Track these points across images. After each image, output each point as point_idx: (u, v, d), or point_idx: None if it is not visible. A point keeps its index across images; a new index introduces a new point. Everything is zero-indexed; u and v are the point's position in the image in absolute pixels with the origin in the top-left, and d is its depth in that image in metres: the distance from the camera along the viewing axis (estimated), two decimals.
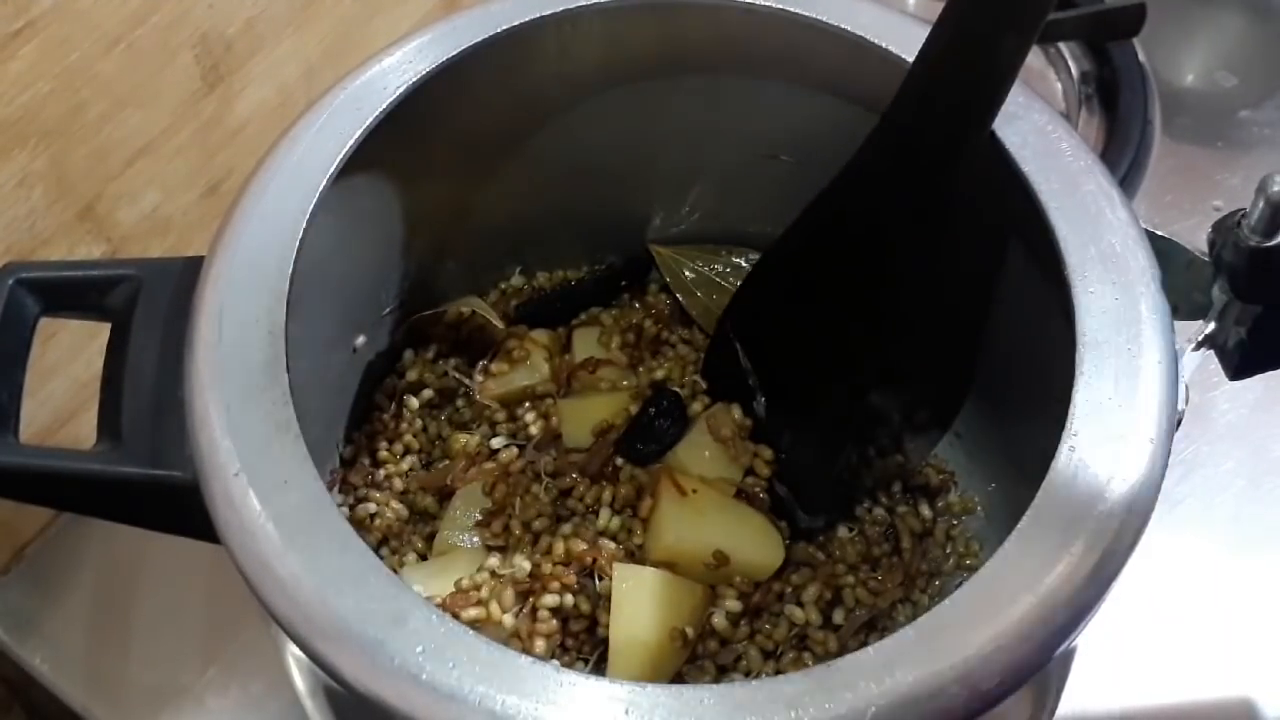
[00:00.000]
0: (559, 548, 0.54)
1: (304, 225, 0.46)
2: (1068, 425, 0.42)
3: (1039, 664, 0.38)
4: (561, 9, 0.52)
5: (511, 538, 0.55)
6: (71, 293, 0.49)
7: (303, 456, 0.41)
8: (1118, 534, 0.40)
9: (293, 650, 0.40)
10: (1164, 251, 0.46)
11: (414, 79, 0.50)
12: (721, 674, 0.53)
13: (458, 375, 0.62)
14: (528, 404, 0.61)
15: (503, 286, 0.66)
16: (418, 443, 0.61)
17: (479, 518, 0.56)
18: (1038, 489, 0.41)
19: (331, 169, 0.48)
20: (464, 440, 0.60)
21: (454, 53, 0.51)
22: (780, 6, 0.52)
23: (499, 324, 0.62)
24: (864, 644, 0.38)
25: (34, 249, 0.59)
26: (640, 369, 0.62)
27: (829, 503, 0.58)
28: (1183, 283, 0.46)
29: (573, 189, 0.62)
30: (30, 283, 0.48)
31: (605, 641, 0.52)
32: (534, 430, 0.60)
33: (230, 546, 0.40)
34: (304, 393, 0.43)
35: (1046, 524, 0.40)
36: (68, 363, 0.63)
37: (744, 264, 0.65)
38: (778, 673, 0.38)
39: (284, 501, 0.40)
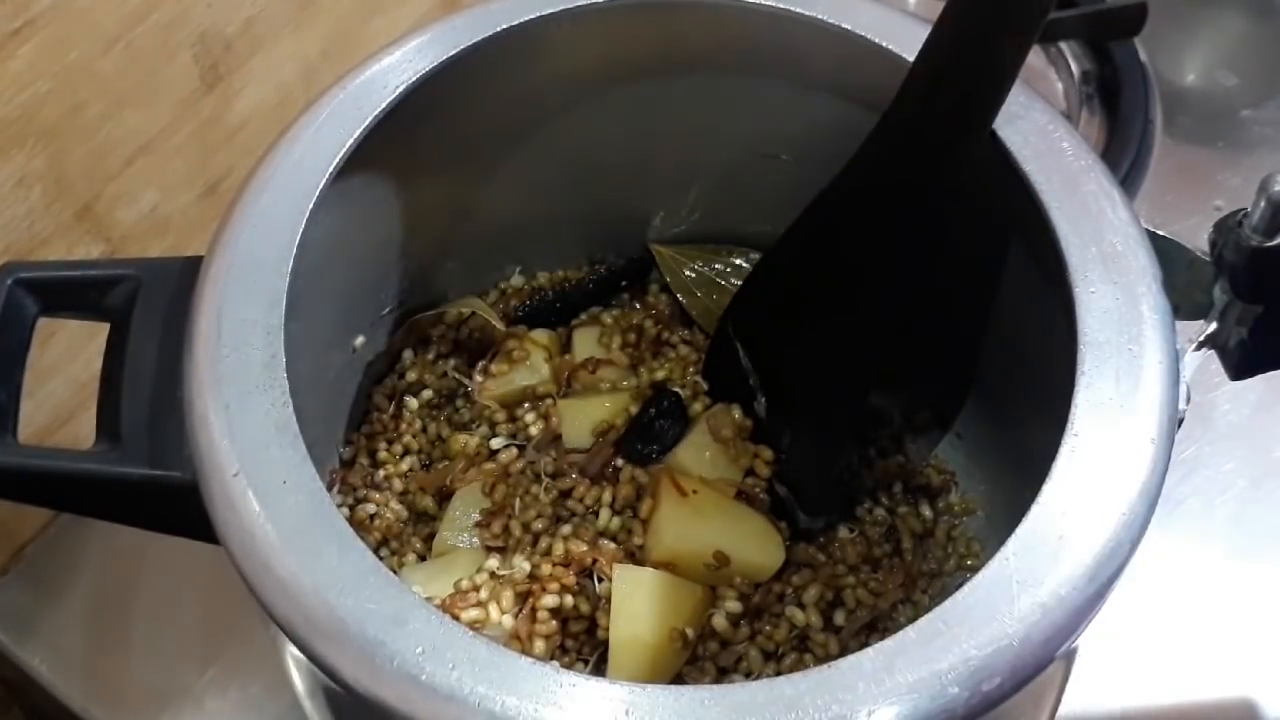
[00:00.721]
0: (559, 548, 0.54)
1: (303, 225, 0.46)
2: (1068, 425, 0.42)
3: (1039, 664, 0.38)
4: (561, 9, 0.52)
5: (511, 538, 0.55)
6: (70, 293, 0.49)
7: (302, 456, 0.41)
8: (1118, 534, 0.40)
9: (292, 651, 0.40)
10: (1165, 251, 0.46)
11: (414, 79, 0.50)
12: (722, 675, 0.53)
13: (458, 376, 0.62)
14: (528, 404, 0.61)
15: (503, 286, 0.66)
16: (417, 443, 0.61)
17: (478, 518, 0.56)
18: (1038, 489, 0.41)
19: (331, 169, 0.48)
20: (464, 441, 0.60)
21: (454, 52, 0.51)
22: (780, 6, 0.52)
23: (499, 325, 0.62)
24: (865, 645, 0.38)
25: (33, 249, 0.59)
26: (641, 369, 0.62)
27: (829, 503, 0.58)
28: (1184, 283, 0.46)
29: (573, 189, 0.62)
30: (29, 282, 0.47)
31: (605, 643, 0.52)
32: (534, 431, 0.60)
33: (229, 547, 0.40)
34: (304, 393, 0.43)
35: (1047, 524, 0.40)
36: (67, 363, 0.63)
37: (744, 264, 0.65)
38: (778, 674, 0.38)
39: (284, 502, 0.40)
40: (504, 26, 0.52)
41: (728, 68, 0.56)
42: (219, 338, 0.44)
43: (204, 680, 0.63)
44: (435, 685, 0.37)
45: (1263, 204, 0.43)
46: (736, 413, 0.58)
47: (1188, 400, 0.44)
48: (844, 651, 0.53)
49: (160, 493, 0.44)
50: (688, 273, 0.65)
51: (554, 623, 0.52)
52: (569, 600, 0.52)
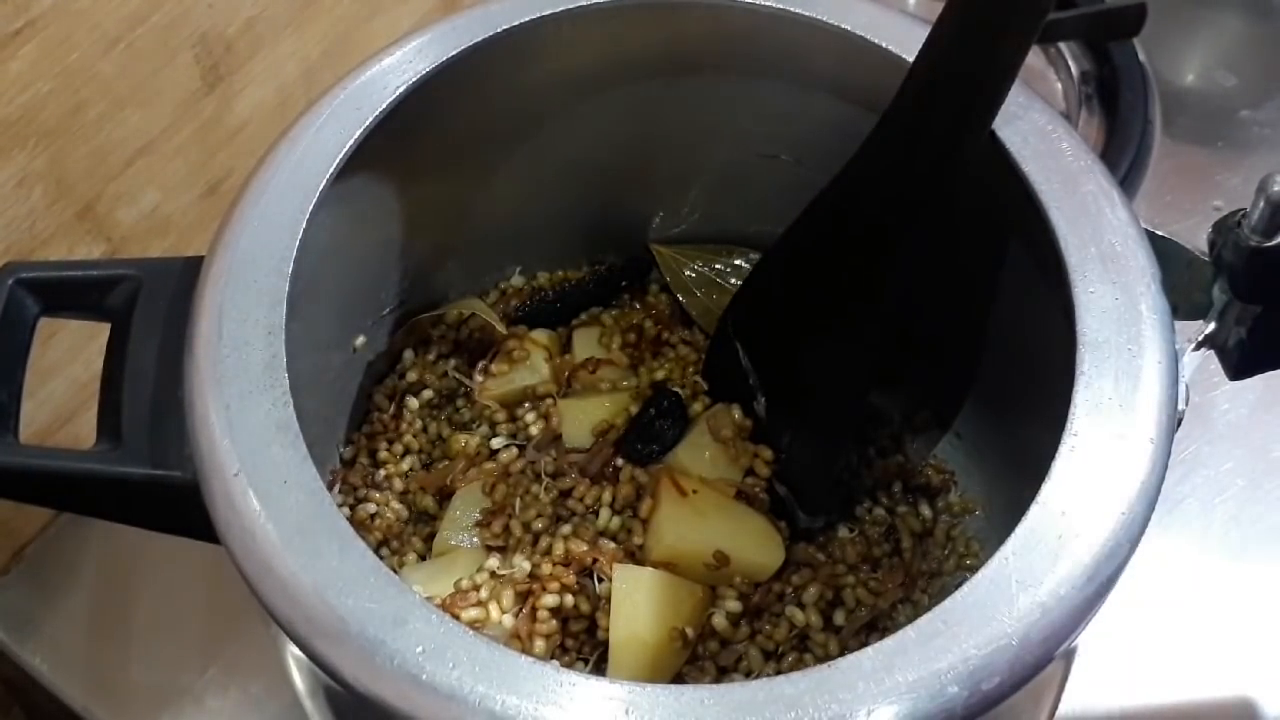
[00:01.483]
0: (559, 548, 0.54)
1: (304, 225, 0.46)
2: (1068, 425, 0.42)
3: (1039, 664, 0.38)
4: (561, 9, 0.52)
5: (511, 538, 0.55)
6: (71, 293, 0.49)
7: (303, 456, 0.41)
8: (1118, 534, 0.40)
9: (293, 650, 0.40)
10: (1164, 251, 0.46)
11: (414, 79, 0.50)
12: (722, 675, 0.53)
13: (458, 376, 0.62)
14: (528, 404, 0.61)
15: (503, 286, 0.66)
16: (418, 443, 0.61)
17: (479, 518, 0.56)
18: (1038, 489, 0.41)
19: (331, 169, 0.48)
20: (464, 440, 0.60)
21: (454, 53, 0.51)
22: (780, 6, 0.52)
23: (499, 325, 0.62)
24: (865, 645, 0.38)
25: (34, 249, 0.59)
26: (641, 369, 0.62)
27: (829, 503, 0.58)
28: (1183, 282, 0.46)
29: (573, 189, 0.62)
30: (30, 283, 0.48)
31: (605, 642, 0.52)
32: (534, 430, 0.60)
33: (230, 546, 0.40)
34: (304, 393, 0.43)
35: (1046, 524, 0.40)
36: (67, 363, 0.63)
37: (744, 264, 0.65)
38: (778, 673, 0.38)
39: (284, 501, 0.40)
40: (504, 27, 0.52)
41: (728, 68, 0.56)
42: (220, 338, 0.44)
43: (204, 679, 0.63)
44: (435, 685, 0.37)
45: (1261, 204, 0.43)
46: (736, 413, 0.58)
47: (1187, 400, 0.44)
48: (844, 651, 0.53)
49: (161, 493, 0.44)
50: (688, 273, 0.65)
51: (554, 622, 0.52)
52: (569, 600, 0.52)
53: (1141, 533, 0.41)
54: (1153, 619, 0.63)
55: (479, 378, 0.62)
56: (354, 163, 0.49)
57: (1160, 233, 0.47)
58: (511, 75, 0.54)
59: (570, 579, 0.53)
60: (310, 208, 0.47)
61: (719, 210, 0.65)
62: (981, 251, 0.53)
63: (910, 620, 0.38)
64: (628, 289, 0.66)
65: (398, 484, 0.59)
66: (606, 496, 0.56)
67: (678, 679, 0.52)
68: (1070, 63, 0.84)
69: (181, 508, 0.43)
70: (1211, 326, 0.46)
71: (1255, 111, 0.83)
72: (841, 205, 0.52)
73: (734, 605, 0.53)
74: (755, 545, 0.55)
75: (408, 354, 0.63)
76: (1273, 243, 0.43)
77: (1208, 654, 0.63)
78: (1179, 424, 0.43)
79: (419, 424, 0.61)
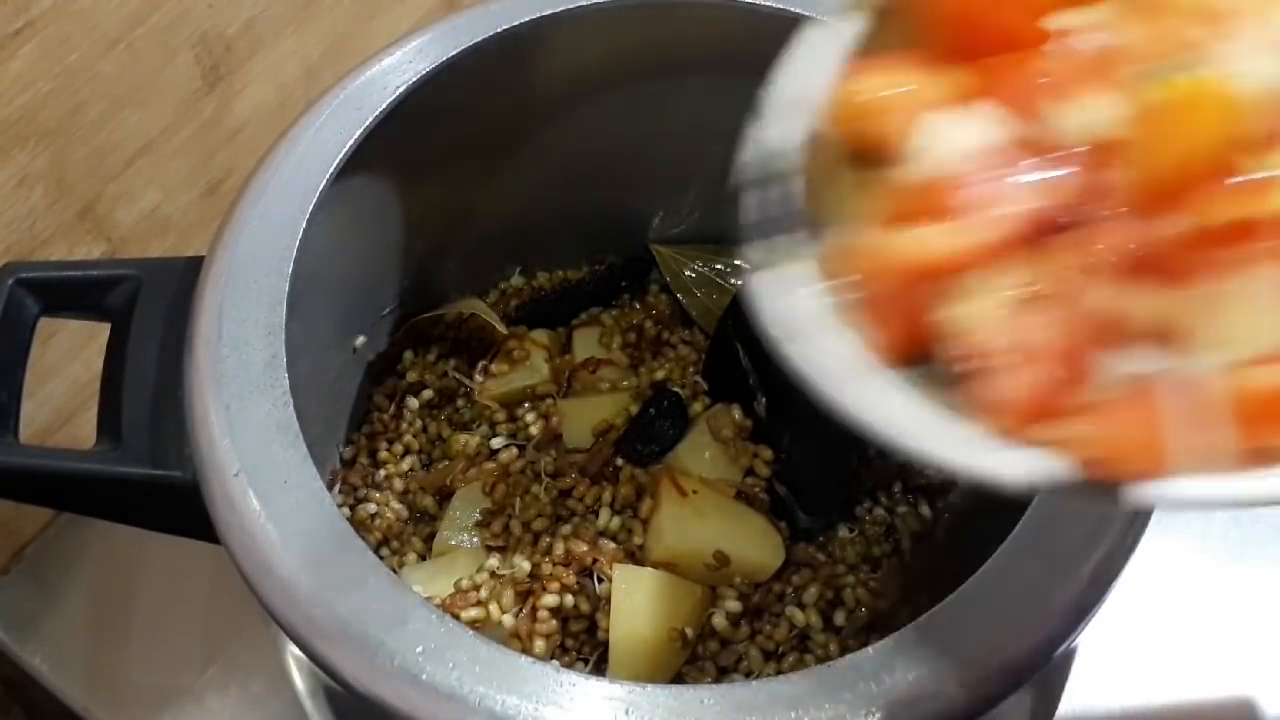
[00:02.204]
0: (559, 548, 0.54)
1: (303, 225, 0.46)
2: None
3: (1039, 664, 0.38)
4: (561, 9, 0.52)
5: (511, 538, 0.55)
6: (71, 293, 0.49)
7: (303, 456, 0.41)
8: (1118, 534, 0.40)
9: (293, 650, 0.40)
10: None
11: (414, 79, 0.50)
12: (722, 675, 0.53)
13: (458, 376, 0.62)
14: (528, 404, 0.61)
15: (503, 286, 0.66)
16: (418, 443, 0.61)
17: (479, 518, 0.56)
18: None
19: (331, 169, 0.48)
20: (464, 440, 0.60)
21: (454, 53, 0.51)
22: (780, 6, 0.52)
23: (499, 325, 0.62)
24: (865, 645, 0.38)
25: (34, 249, 0.59)
26: (641, 369, 0.62)
27: (829, 503, 0.58)
28: None
29: (573, 189, 0.62)
30: (30, 283, 0.48)
31: (605, 642, 0.52)
32: (534, 430, 0.60)
33: (230, 547, 0.40)
34: (304, 393, 0.43)
35: (1047, 524, 0.40)
36: (67, 363, 0.63)
37: (744, 264, 0.65)
38: (778, 673, 0.38)
39: (284, 501, 0.40)
40: (504, 27, 0.52)
41: (728, 68, 0.56)
42: (220, 338, 0.44)
43: (204, 679, 0.63)
44: (435, 684, 0.37)
45: None
46: (736, 413, 0.58)
47: None
48: (844, 651, 0.53)
49: (161, 493, 0.44)
50: (688, 273, 0.65)
51: (554, 622, 0.52)
52: (569, 600, 0.52)
53: (1142, 532, 0.41)
54: (1153, 619, 0.63)
55: (479, 378, 0.62)
56: (354, 163, 0.49)
57: None
58: (511, 75, 0.54)
59: (570, 579, 0.53)
60: (310, 208, 0.47)
61: (719, 210, 0.65)
62: None
63: (910, 620, 0.38)
64: (628, 289, 0.66)
65: (398, 484, 0.59)
66: (606, 496, 0.56)
67: (678, 679, 0.52)
68: None
69: (181, 508, 0.43)
70: None
71: None
72: None
73: (734, 605, 0.53)
74: (755, 545, 0.55)
75: (408, 354, 0.63)
76: None
77: (1207, 654, 0.63)
78: None
79: (419, 424, 0.61)
